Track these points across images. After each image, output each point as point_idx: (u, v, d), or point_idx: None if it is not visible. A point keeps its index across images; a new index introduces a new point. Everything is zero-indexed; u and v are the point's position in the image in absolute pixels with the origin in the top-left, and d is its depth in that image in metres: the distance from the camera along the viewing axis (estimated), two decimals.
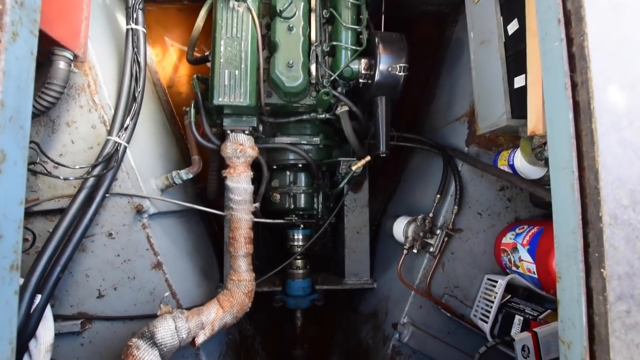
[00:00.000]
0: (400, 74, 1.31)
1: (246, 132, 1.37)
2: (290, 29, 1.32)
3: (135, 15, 1.53)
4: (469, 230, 1.63)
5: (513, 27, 1.39)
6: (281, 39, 1.31)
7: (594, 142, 0.74)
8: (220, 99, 1.24)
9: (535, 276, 1.38)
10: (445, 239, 1.55)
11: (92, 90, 1.46)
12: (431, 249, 1.53)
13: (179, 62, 2.59)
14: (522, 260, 1.44)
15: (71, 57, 1.28)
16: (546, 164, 1.44)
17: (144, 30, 1.56)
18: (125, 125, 1.44)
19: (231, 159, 1.36)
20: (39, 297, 1.18)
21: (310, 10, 1.42)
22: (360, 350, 1.91)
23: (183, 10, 2.53)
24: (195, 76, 1.50)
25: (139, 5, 1.53)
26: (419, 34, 2.63)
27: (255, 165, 1.67)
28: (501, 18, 1.45)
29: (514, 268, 1.50)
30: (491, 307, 1.45)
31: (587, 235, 0.67)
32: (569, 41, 0.70)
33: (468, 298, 1.63)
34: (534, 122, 1.26)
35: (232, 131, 1.37)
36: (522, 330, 1.42)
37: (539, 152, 1.43)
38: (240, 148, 1.34)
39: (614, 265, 0.64)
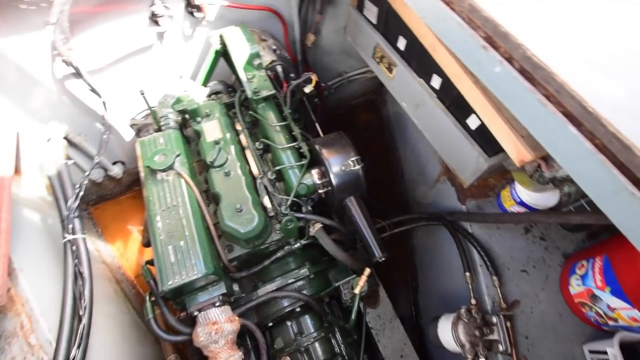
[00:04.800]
0: (355, 168, 1.19)
1: (217, 303, 1.10)
2: (227, 174, 1.22)
3: (71, 226, 1.41)
4: (526, 297, 1.28)
5: (436, 81, 1.40)
6: (221, 187, 1.20)
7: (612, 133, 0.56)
8: (170, 282, 1.01)
9: None
10: (508, 324, 1.18)
11: (27, 331, 1.19)
12: (500, 348, 1.14)
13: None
14: (615, 310, 1.08)
15: None
16: (554, 184, 1.25)
17: (84, 237, 1.42)
18: (71, 358, 1.13)
19: (208, 348, 1.05)
20: None
21: (243, 149, 1.36)
22: None
23: (137, 197, 2.53)
24: (144, 263, 1.30)
25: (73, 214, 1.43)
26: (358, 122, 2.75)
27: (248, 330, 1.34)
28: (421, 80, 1.48)
29: (611, 323, 1.12)
30: None
31: None
32: (510, 60, 0.60)
33: None
34: (516, 152, 1.12)
35: (200, 310, 1.09)
36: None
37: (539, 177, 1.25)
38: (216, 328, 1.05)
39: None
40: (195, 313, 1.09)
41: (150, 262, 1.32)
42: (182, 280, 1.01)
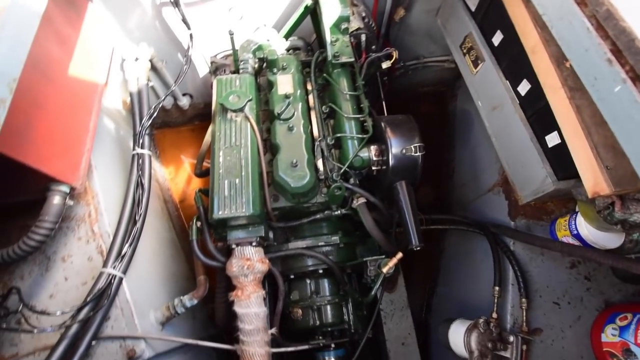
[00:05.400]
0: (416, 154, 1.18)
1: (254, 243, 1.19)
2: (290, 129, 1.26)
3: (141, 141, 1.55)
4: (551, 329, 1.24)
5: (524, 87, 1.30)
6: (282, 140, 1.25)
7: None
8: (220, 213, 1.10)
9: None
10: (524, 347, 1.16)
11: (92, 220, 1.38)
12: None
13: (193, 174, 2.64)
14: None
15: (67, 191, 1.23)
16: (622, 226, 1.15)
17: (150, 153, 1.56)
18: (122, 253, 1.30)
19: (238, 279, 1.15)
20: None
21: (309, 109, 1.39)
22: None
23: (195, 130, 2.70)
24: (197, 190, 1.42)
25: (145, 131, 1.57)
26: (420, 112, 2.66)
27: (269, 278, 1.44)
28: (507, 82, 1.38)
29: None
30: None
31: None
32: (635, 80, 0.55)
33: None
34: (592, 182, 1.04)
35: (237, 245, 1.19)
36: None
37: (607, 215, 1.16)
38: (248, 264, 1.14)
39: None
40: (233, 246, 1.19)
41: (202, 191, 1.44)
42: (231, 213, 1.09)
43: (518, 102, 1.35)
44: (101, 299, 1.21)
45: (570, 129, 1.08)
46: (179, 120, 2.53)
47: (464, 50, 1.62)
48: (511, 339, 1.16)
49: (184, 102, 2.20)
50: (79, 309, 1.14)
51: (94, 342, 1.17)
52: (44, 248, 1.34)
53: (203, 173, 1.75)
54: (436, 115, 2.63)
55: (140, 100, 1.64)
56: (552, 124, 1.17)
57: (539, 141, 1.27)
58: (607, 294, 1.29)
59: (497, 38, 1.40)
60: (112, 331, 1.24)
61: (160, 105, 1.65)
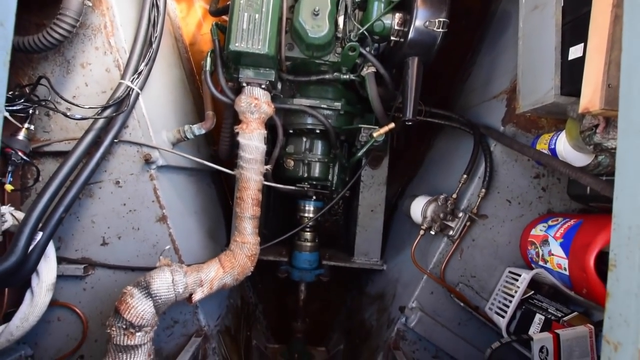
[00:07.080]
0: (438, 30, 1.16)
1: (263, 86, 1.27)
2: None
3: None
4: (495, 218, 1.49)
5: None
6: None
7: None
8: (237, 44, 1.14)
9: (566, 273, 1.24)
10: (468, 223, 1.42)
11: (109, 32, 1.40)
12: (450, 233, 1.41)
13: (204, 19, 2.50)
14: (553, 255, 1.30)
15: None
16: (595, 149, 1.27)
17: None
18: (139, 70, 1.38)
19: (245, 114, 1.28)
20: (40, 235, 1.16)
21: None
22: (363, 331, 1.84)
23: None
24: (214, 23, 1.41)
25: None
26: (459, 5, 2.40)
27: (270, 128, 1.58)
28: None
29: (541, 262, 1.37)
30: (510, 302, 1.33)
31: None
32: None
33: (485, 290, 1.51)
34: (589, 97, 1.10)
35: (248, 84, 1.28)
36: (542, 331, 1.30)
37: (587, 136, 1.26)
38: (255, 102, 1.25)
39: None
40: (244, 84, 1.28)
41: (218, 26, 1.43)
42: (246, 48, 1.14)
43: (562, 4, 1.26)
44: (121, 106, 1.34)
45: (597, 39, 1.07)
46: None
47: None
48: (460, 215, 1.41)
49: None
50: (104, 108, 1.29)
51: (116, 140, 1.36)
52: (63, 51, 1.40)
53: (219, 11, 1.69)
54: (475, 13, 2.39)
55: None
56: (582, 36, 1.15)
57: (562, 51, 1.25)
58: (554, 204, 1.51)
59: None
60: (131, 137, 1.42)
61: None
